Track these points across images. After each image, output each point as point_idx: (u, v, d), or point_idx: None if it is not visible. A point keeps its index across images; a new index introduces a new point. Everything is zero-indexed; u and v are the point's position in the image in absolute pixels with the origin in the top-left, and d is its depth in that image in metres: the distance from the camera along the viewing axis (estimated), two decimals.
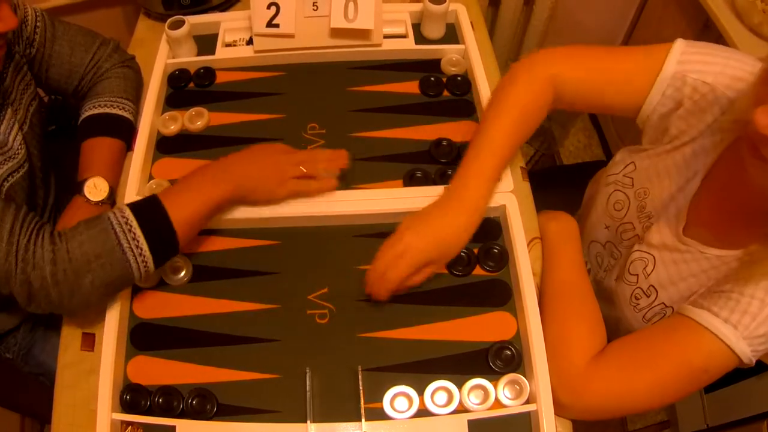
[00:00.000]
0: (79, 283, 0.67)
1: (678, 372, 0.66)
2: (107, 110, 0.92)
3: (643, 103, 0.76)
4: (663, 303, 0.77)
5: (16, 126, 0.83)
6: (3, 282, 0.66)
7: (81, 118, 0.93)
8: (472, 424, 0.69)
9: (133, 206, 0.69)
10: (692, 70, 0.71)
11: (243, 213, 0.82)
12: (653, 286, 0.78)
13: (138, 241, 0.68)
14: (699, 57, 0.72)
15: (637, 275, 0.80)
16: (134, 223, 0.68)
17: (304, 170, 0.79)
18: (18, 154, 0.81)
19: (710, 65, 0.70)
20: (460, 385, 0.71)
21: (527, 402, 0.71)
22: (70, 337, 0.79)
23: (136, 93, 0.98)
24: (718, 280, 0.70)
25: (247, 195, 0.77)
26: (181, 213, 0.70)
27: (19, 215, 0.68)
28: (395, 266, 0.72)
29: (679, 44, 0.73)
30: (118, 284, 0.71)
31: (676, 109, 0.74)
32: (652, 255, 0.79)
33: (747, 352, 0.63)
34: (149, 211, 0.69)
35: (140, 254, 0.68)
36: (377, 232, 0.83)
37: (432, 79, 0.98)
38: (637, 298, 0.80)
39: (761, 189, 0.60)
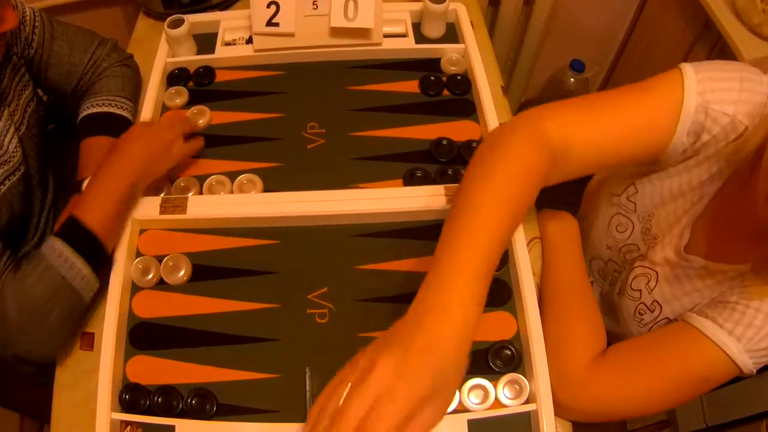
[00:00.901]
0: (45, 325, 0.72)
1: (678, 379, 0.66)
2: (105, 109, 0.92)
3: (669, 144, 0.66)
4: (667, 318, 0.77)
5: (12, 128, 0.82)
6: None
7: (79, 117, 0.93)
8: (471, 423, 0.69)
9: (60, 234, 0.73)
10: (713, 100, 0.63)
11: (243, 213, 0.82)
12: (657, 302, 0.78)
13: (77, 267, 0.72)
14: (716, 83, 0.64)
15: (640, 291, 0.80)
16: (66, 250, 0.71)
17: (179, 131, 0.83)
18: (13, 158, 0.81)
19: (728, 92, 0.63)
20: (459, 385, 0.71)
21: (527, 402, 0.71)
22: (69, 336, 0.79)
23: (134, 92, 0.98)
24: (723, 292, 0.69)
25: (147, 174, 0.79)
26: (99, 219, 0.73)
27: None
28: (378, 416, 0.48)
29: (690, 71, 0.64)
30: (76, 314, 0.75)
31: (694, 143, 0.66)
32: (654, 271, 0.78)
33: (748, 364, 0.63)
34: (73, 231, 0.73)
35: (82, 277, 0.73)
36: (377, 232, 0.83)
37: (432, 78, 0.98)
38: (641, 314, 0.80)
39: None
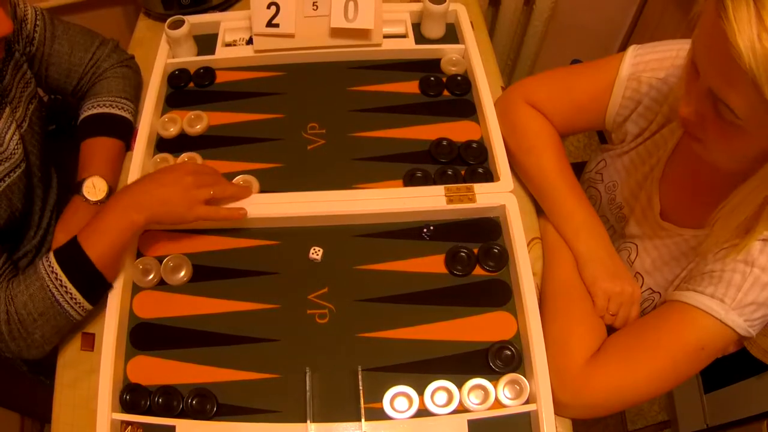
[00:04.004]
0: (32, 338, 0.72)
1: (674, 355, 0.67)
2: (106, 110, 0.92)
3: (606, 110, 0.82)
4: (650, 288, 0.79)
5: (14, 125, 0.82)
6: None
7: (80, 118, 0.93)
8: (472, 424, 0.69)
9: (58, 254, 0.72)
10: (646, 69, 0.77)
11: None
12: (639, 273, 0.81)
13: (70, 292, 0.72)
14: (651, 56, 0.77)
15: None
16: (61, 275, 0.71)
17: (212, 193, 0.78)
18: (14, 154, 0.81)
19: (662, 61, 0.76)
20: (460, 385, 0.71)
21: (527, 402, 0.71)
22: (69, 336, 0.79)
23: (135, 92, 0.98)
24: (698, 262, 0.71)
25: (159, 220, 0.76)
26: (100, 250, 0.72)
27: None
28: (634, 312, 0.77)
29: (632, 49, 0.79)
30: (64, 330, 0.76)
31: (636, 108, 0.80)
32: (634, 244, 0.82)
33: (740, 323, 0.64)
34: (72, 258, 0.72)
35: (75, 302, 0.72)
36: (377, 232, 0.83)
37: (432, 78, 0.98)
38: None
39: (713, 163, 0.64)
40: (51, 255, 0.72)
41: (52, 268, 0.71)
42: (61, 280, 0.71)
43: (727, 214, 0.62)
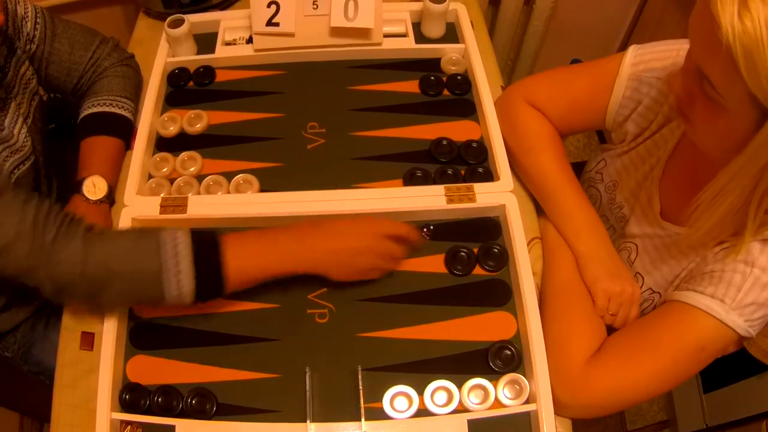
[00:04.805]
0: (102, 289, 0.66)
1: (675, 355, 0.67)
2: (106, 109, 0.92)
3: (606, 109, 0.82)
4: (650, 288, 0.79)
5: (20, 120, 0.83)
6: (28, 276, 0.65)
7: (80, 117, 0.93)
8: (472, 424, 0.69)
9: (195, 239, 0.65)
10: (646, 69, 0.77)
11: (243, 212, 0.82)
12: (639, 273, 0.81)
13: (181, 279, 0.65)
14: (651, 56, 0.78)
15: None
16: (185, 261, 0.64)
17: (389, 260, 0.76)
18: (24, 147, 0.82)
19: (663, 61, 0.76)
20: (460, 385, 0.71)
21: (527, 402, 0.71)
22: (69, 336, 0.79)
23: (135, 91, 0.98)
24: (699, 262, 0.71)
25: (319, 273, 0.72)
26: (240, 267, 0.67)
27: (42, 207, 0.66)
28: (634, 312, 0.77)
29: (632, 49, 0.79)
30: (144, 301, 0.72)
31: (636, 107, 0.80)
32: (634, 244, 0.82)
33: (740, 323, 0.64)
34: (207, 253, 0.66)
35: (178, 283, 0.66)
36: None
37: (432, 78, 0.98)
38: None
39: (702, 149, 0.64)
40: (184, 235, 0.65)
41: (178, 240, 0.65)
42: (180, 258, 0.64)
43: (709, 200, 0.62)
